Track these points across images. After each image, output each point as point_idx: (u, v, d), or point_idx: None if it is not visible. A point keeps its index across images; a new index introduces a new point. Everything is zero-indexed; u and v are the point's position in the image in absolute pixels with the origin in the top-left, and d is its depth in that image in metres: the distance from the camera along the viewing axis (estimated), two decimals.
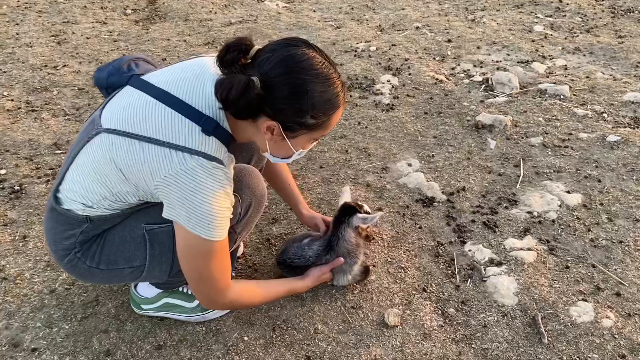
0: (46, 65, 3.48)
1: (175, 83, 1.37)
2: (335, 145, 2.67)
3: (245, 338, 1.69)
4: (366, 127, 2.81)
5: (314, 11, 4.44)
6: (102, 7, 4.63)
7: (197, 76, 1.38)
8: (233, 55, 1.29)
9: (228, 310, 1.77)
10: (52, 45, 3.79)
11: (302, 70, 1.26)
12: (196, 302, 1.72)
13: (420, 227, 2.15)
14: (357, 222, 1.79)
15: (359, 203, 1.87)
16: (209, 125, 1.31)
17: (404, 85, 3.20)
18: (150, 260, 1.50)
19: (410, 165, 2.51)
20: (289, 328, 1.73)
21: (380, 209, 1.90)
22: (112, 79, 1.47)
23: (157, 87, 1.37)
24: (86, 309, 1.79)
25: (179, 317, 1.75)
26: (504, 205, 2.25)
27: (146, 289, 1.74)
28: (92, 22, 4.27)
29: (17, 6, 4.52)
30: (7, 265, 1.96)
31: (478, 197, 2.31)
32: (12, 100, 3.07)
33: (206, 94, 1.34)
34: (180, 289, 1.75)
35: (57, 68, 3.45)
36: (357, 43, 3.77)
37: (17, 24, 4.21)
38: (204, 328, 1.73)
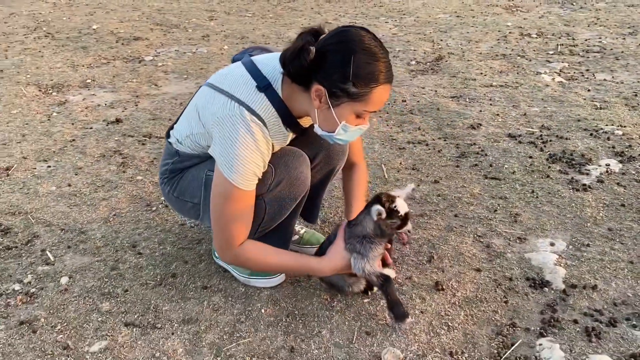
0: None
1: (263, 58, 1.71)
2: (487, 202, 2.48)
3: (263, 311, 1.83)
4: (537, 197, 2.51)
5: (588, 90, 4.04)
6: (394, 56, 5.24)
7: (277, 57, 1.66)
8: (304, 37, 1.56)
9: (273, 284, 1.94)
10: None
11: (353, 42, 1.48)
12: None
13: (505, 302, 1.86)
14: (374, 213, 1.64)
15: (396, 195, 1.69)
16: (261, 83, 1.61)
17: (623, 174, 2.69)
18: (203, 201, 1.82)
19: (552, 244, 2.15)
20: (300, 320, 1.79)
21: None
22: (236, 57, 1.88)
23: (250, 58, 1.72)
24: (194, 243, 2.21)
25: (233, 272, 2.00)
26: (634, 323, 1.73)
27: None
28: None
29: None
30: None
31: (606, 303, 1.83)
32: None
33: (275, 65, 1.64)
34: None
35: None
36: (606, 125, 3.30)
37: None
38: (243, 289, 1.95)
